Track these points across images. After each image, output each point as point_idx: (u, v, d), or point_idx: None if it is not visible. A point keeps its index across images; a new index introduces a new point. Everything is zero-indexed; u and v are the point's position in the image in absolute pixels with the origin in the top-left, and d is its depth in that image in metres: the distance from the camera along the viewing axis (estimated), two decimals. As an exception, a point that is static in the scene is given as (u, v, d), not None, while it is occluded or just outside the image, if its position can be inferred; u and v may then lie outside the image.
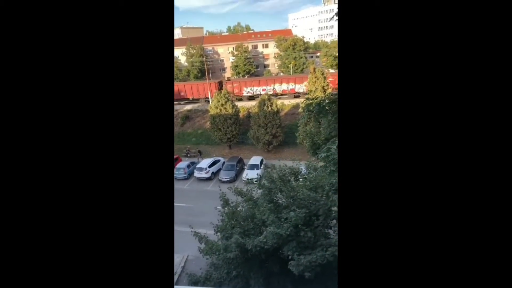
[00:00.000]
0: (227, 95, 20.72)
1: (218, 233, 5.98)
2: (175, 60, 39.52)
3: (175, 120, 26.29)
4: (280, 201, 5.55)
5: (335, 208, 5.16)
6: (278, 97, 24.63)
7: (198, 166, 17.43)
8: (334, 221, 5.30)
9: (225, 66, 40.75)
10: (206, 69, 32.21)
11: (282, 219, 4.91)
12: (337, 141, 5.63)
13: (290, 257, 4.49)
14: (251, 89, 25.96)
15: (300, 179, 6.36)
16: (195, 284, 5.00)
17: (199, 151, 21.37)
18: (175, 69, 37.41)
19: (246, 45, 38.14)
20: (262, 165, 17.15)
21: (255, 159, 17.96)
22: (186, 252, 10.02)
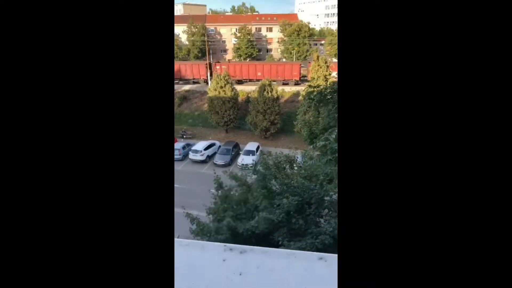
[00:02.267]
0: (226, 77, 20.37)
1: (210, 215, 6.03)
2: (175, 38, 38.52)
3: (172, 100, 25.92)
4: (274, 188, 5.57)
5: (328, 198, 5.20)
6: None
7: (193, 148, 17.40)
8: (326, 210, 5.36)
9: (227, 47, 39.88)
10: (207, 49, 31.47)
11: (275, 205, 4.95)
12: (335, 132, 5.60)
13: (280, 243, 4.56)
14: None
15: (295, 167, 6.37)
16: None
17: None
18: (175, 47, 36.53)
19: (249, 27, 37.18)
20: (258, 151, 17.18)
21: (252, 145, 17.96)
22: (177, 233, 10.16)
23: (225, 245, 0.77)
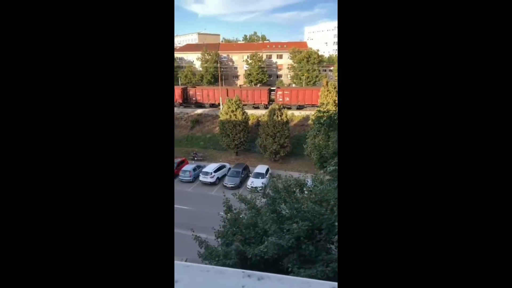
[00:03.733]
0: (238, 102, 20.90)
1: (219, 239, 5.95)
2: (190, 65, 40.31)
3: (185, 123, 26.56)
4: (284, 212, 5.50)
5: (339, 224, 5.07)
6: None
7: (203, 170, 17.50)
8: (337, 237, 5.21)
9: (239, 73, 41.31)
10: (219, 75, 32.70)
11: (284, 230, 4.86)
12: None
13: (290, 269, 4.42)
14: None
15: (306, 191, 6.31)
16: None
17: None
18: (189, 73, 38.11)
19: (260, 54, 38.67)
20: (268, 174, 17.08)
21: (261, 168, 17.91)
22: (185, 256, 9.97)
23: (243, 271, 0.81)
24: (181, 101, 27.96)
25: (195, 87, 29.69)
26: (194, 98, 26.83)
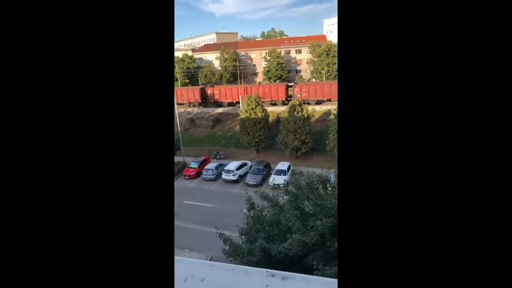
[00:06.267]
0: (257, 99, 20.90)
1: (243, 236, 6.02)
2: (209, 64, 40.93)
3: (206, 122, 27.06)
4: (307, 209, 5.44)
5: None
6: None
7: (226, 168, 17.77)
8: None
9: (257, 71, 41.28)
10: (238, 73, 32.90)
11: (308, 227, 4.81)
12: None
13: (315, 266, 4.37)
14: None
15: (329, 188, 6.18)
16: None
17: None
18: (208, 72, 38.73)
19: (279, 50, 38.33)
20: (290, 171, 16.96)
21: (283, 165, 17.82)
22: (211, 253, 10.22)
23: (267, 271, 0.81)
24: (284, 99, 27.33)
25: (296, 83, 28.97)
26: (299, 95, 25.95)
